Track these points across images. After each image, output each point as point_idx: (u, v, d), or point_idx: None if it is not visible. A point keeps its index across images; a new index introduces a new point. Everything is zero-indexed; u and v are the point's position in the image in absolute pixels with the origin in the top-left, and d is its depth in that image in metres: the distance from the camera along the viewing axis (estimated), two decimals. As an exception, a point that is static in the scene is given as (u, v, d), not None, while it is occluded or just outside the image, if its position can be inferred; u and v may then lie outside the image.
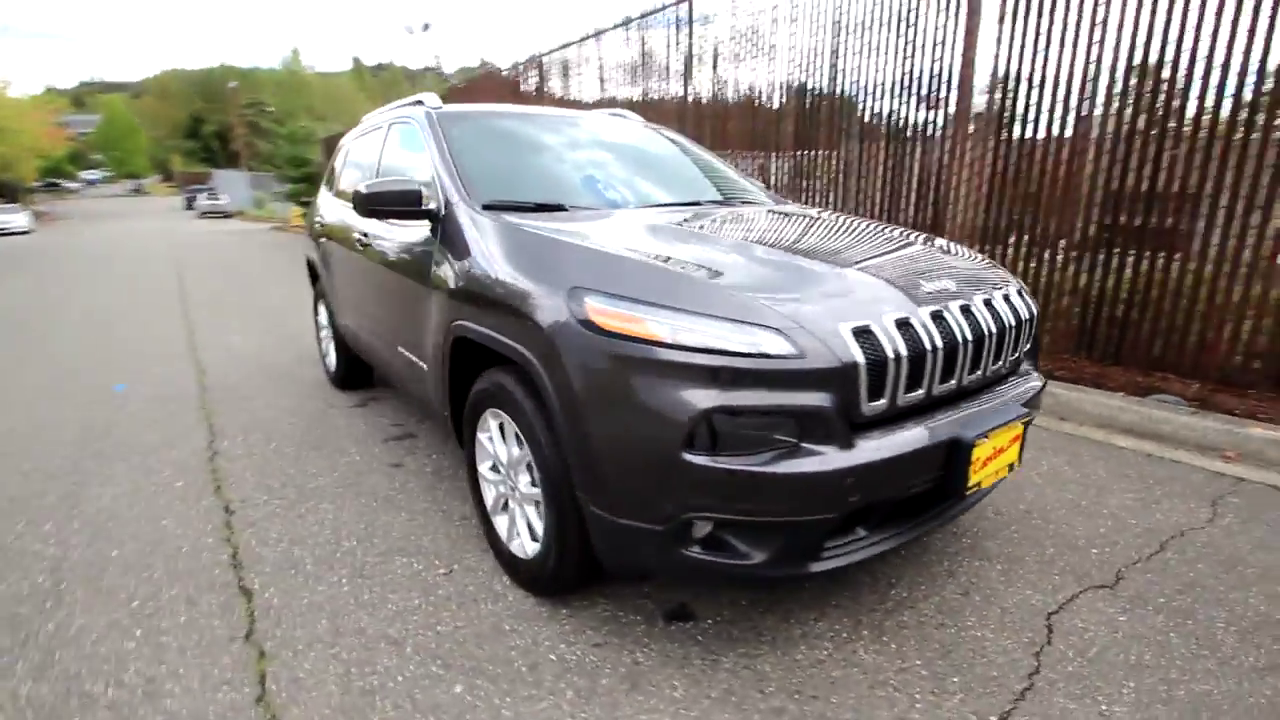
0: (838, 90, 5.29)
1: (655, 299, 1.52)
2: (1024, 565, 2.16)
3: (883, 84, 4.93)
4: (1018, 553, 2.24)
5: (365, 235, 2.92)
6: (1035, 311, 2.00)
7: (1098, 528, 2.39)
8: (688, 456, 1.43)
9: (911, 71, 4.72)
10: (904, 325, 1.56)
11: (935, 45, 4.55)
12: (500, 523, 2.12)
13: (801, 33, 5.42)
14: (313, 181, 22.32)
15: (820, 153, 5.59)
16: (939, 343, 1.60)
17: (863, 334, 1.50)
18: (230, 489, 2.78)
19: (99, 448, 3.24)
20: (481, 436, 2.12)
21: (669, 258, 1.76)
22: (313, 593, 2.05)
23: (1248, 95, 3.33)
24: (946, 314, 1.65)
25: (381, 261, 2.75)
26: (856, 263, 1.85)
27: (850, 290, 1.65)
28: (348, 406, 3.81)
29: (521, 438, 1.86)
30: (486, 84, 11.01)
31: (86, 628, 1.90)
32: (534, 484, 1.89)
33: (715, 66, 6.31)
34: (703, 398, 1.42)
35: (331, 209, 3.68)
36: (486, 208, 2.17)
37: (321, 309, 4.13)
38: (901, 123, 4.89)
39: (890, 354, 1.51)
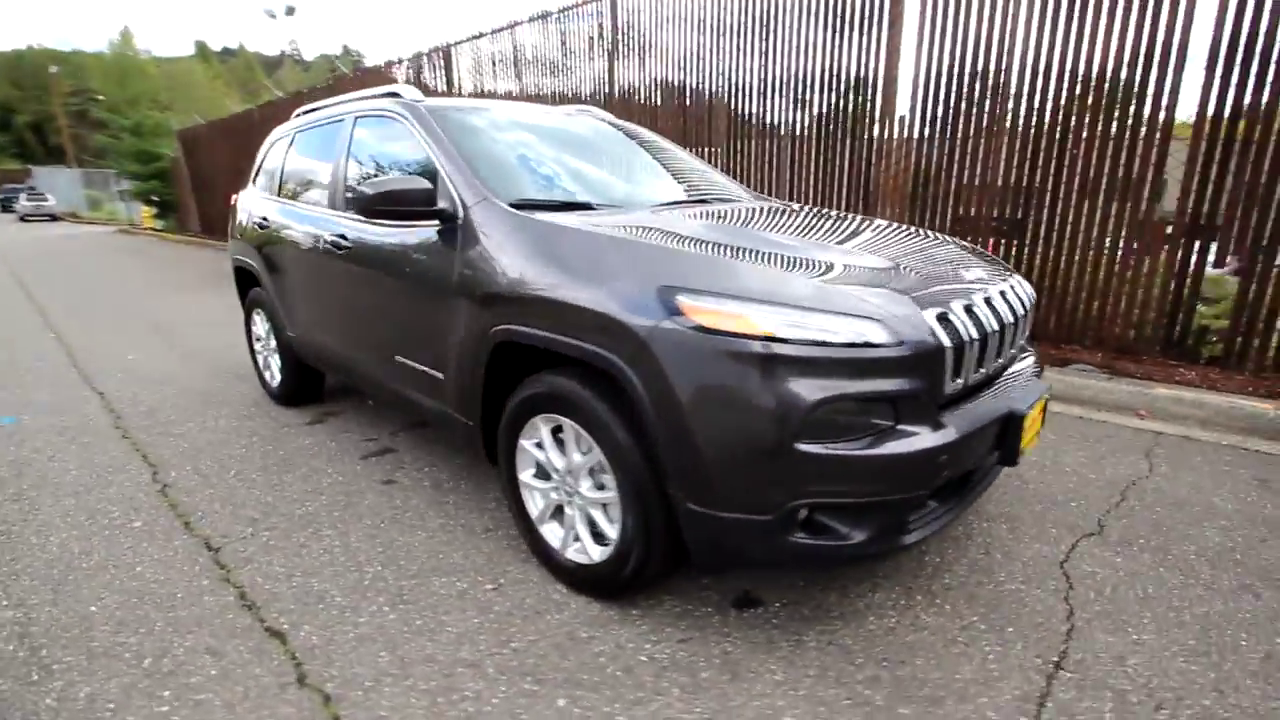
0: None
1: (757, 295, 1.55)
2: (1023, 521, 2.41)
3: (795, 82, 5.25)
4: (1013, 511, 2.49)
5: (343, 239, 2.70)
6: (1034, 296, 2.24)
7: (1067, 483, 2.71)
8: (800, 447, 1.48)
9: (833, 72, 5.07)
10: (969, 311, 1.70)
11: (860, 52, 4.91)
12: (550, 531, 2.07)
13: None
14: (164, 179, 20.06)
15: (749, 145, 5.83)
16: (994, 325, 1.76)
17: (943, 320, 1.62)
18: (203, 524, 2.49)
19: (14, 490, 2.77)
20: (525, 443, 2.05)
21: (754, 251, 1.81)
22: (355, 625, 1.90)
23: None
24: (993, 299, 1.82)
25: (371, 266, 2.56)
26: (907, 255, 1.99)
27: (918, 281, 1.77)
28: (303, 424, 3.50)
29: (585, 441, 1.83)
30: (381, 77, 10.39)
31: (98, 695, 1.65)
32: (599, 487, 1.86)
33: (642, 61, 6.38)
34: (814, 389, 1.48)
35: (276, 210, 3.36)
36: (515, 207, 2.10)
37: (259, 319, 3.76)
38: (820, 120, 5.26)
39: (965, 337, 1.64)
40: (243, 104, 23.90)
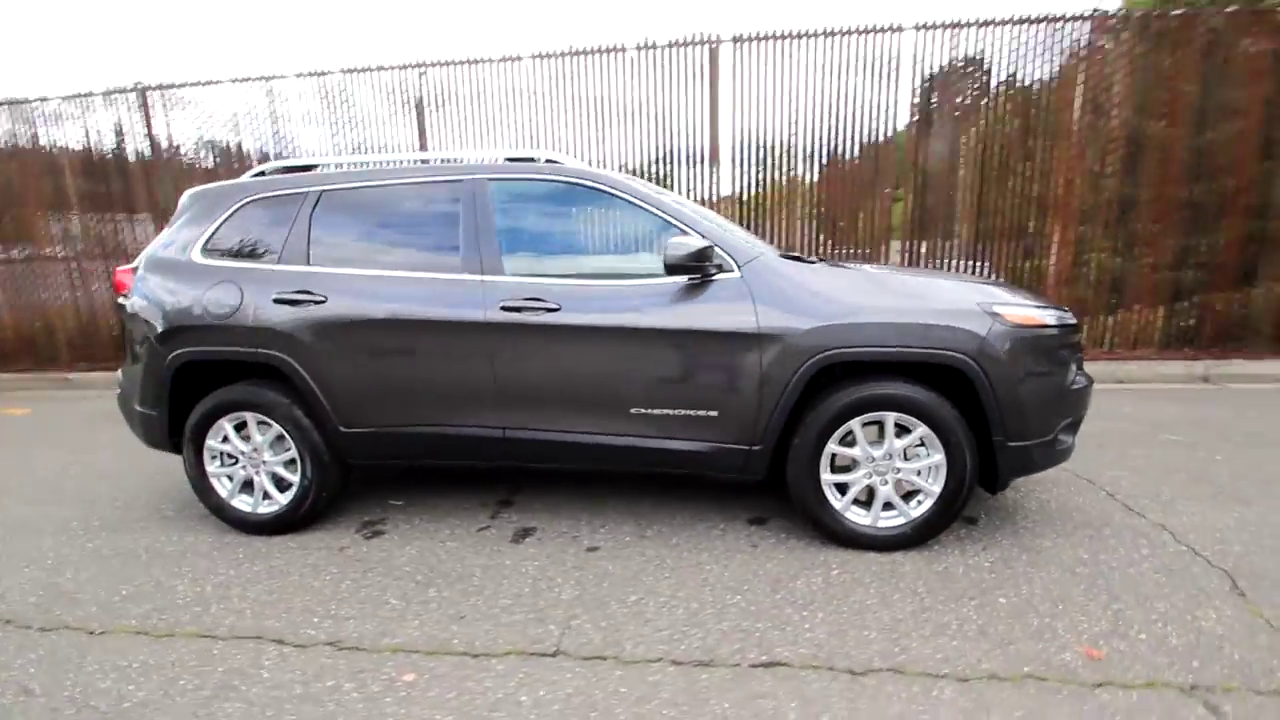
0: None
1: (1028, 303, 2.49)
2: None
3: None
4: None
5: (536, 301, 2.59)
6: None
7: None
8: (1071, 386, 2.48)
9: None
10: None
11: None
12: (854, 513, 2.58)
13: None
14: None
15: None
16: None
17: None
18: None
19: None
20: (833, 446, 2.52)
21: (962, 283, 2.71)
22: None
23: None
24: None
25: (605, 327, 2.59)
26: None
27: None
28: (367, 539, 2.88)
29: (901, 428, 2.47)
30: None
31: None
32: (905, 459, 2.50)
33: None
34: (1070, 350, 2.50)
35: (329, 281, 2.77)
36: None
37: (252, 427, 2.85)
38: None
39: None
40: None
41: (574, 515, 3.03)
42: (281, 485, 2.94)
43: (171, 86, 6.70)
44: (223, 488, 2.95)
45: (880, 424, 2.52)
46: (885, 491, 2.56)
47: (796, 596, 2.30)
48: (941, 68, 5.79)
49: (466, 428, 2.74)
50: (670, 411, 2.59)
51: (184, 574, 2.63)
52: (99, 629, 2.27)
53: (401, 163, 3.11)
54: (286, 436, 2.85)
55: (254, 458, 2.90)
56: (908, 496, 2.57)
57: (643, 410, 2.61)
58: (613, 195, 2.72)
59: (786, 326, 2.46)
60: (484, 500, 3.24)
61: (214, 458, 2.94)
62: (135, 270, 3.01)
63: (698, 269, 2.47)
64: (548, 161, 2.86)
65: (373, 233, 2.88)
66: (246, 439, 2.90)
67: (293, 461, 2.89)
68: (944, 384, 2.49)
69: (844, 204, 6.13)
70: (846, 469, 2.59)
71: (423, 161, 3.11)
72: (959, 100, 5.86)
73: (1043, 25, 5.59)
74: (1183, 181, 5.62)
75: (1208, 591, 2.23)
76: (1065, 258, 5.88)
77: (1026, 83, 5.74)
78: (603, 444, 2.67)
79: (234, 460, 2.94)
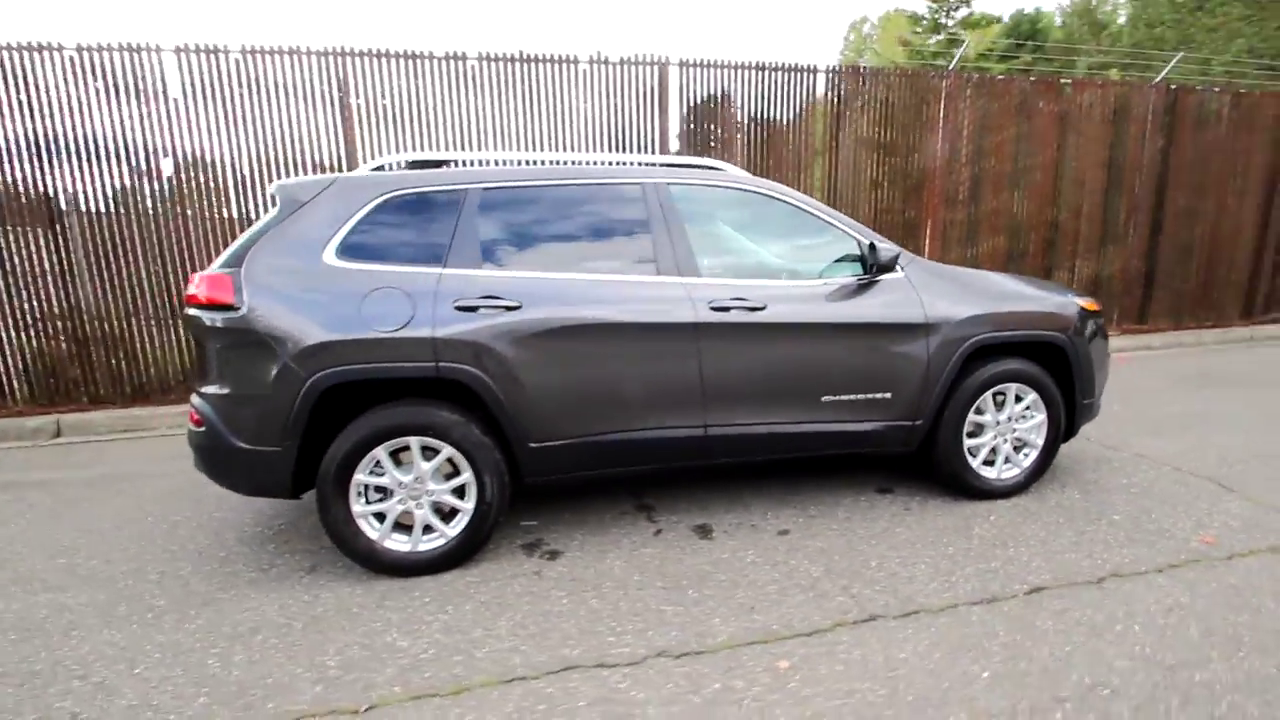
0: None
1: (1066, 291, 3.27)
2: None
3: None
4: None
5: (740, 302, 2.70)
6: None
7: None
8: (1106, 356, 3.33)
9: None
10: None
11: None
12: (984, 468, 3.13)
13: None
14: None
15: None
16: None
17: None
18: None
19: None
20: (974, 416, 3.05)
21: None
22: (1026, 562, 2.57)
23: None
24: None
25: (801, 323, 2.80)
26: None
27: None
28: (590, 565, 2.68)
29: (1019, 397, 3.10)
30: None
31: None
32: (1021, 420, 3.14)
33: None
34: (1102, 329, 3.34)
35: (514, 284, 2.56)
36: (911, 259, 3.07)
37: (415, 458, 2.49)
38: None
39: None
40: None
41: (723, 509, 3.14)
42: (443, 517, 2.60)
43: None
44: (372, 529, 2.52)
45: (1003, 394, 3.11)
46: (1005, 449, 3.15)
47: (989, 538, 2.76)
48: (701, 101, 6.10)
49: (667, 429, 2.73)
50: (855, 396, 2.89)
51: (398, 628, 2.23)
52: (365, 707, 1.88)
53: (541, 163, 2.95)
54: (456, 460, 2.54)
55: (415, 488, 2.53)
56: (1016, 450, 3.20)
57: (833, 397, 2.87)
58: (783, 202, 2.93)
59: (947, 316, 2.92)
60: (620, 508, 3.18)
61: (359, 494, 2.50)
62: (233, 277, 2.42)
63: (890, 268, 2.82)
64: (710, 168, 2.97)
65: (548, 234, 2.72)
66: (402, 468, 2.53)
67: (459, 489, 2.58)
68: (1042, 359, 3.16)
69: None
70: (973, 435, 3.13)
71: (570, 163, 2.98)
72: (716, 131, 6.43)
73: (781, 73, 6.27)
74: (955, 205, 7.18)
75: (1206, 492, 3.18)
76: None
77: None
78: (797, 432, 2.87)
79: (383, 495, 2.53)
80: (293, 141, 5.52)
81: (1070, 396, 3.17)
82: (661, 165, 2.96)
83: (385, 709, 1.86)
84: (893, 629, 2.17)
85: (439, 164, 2.86)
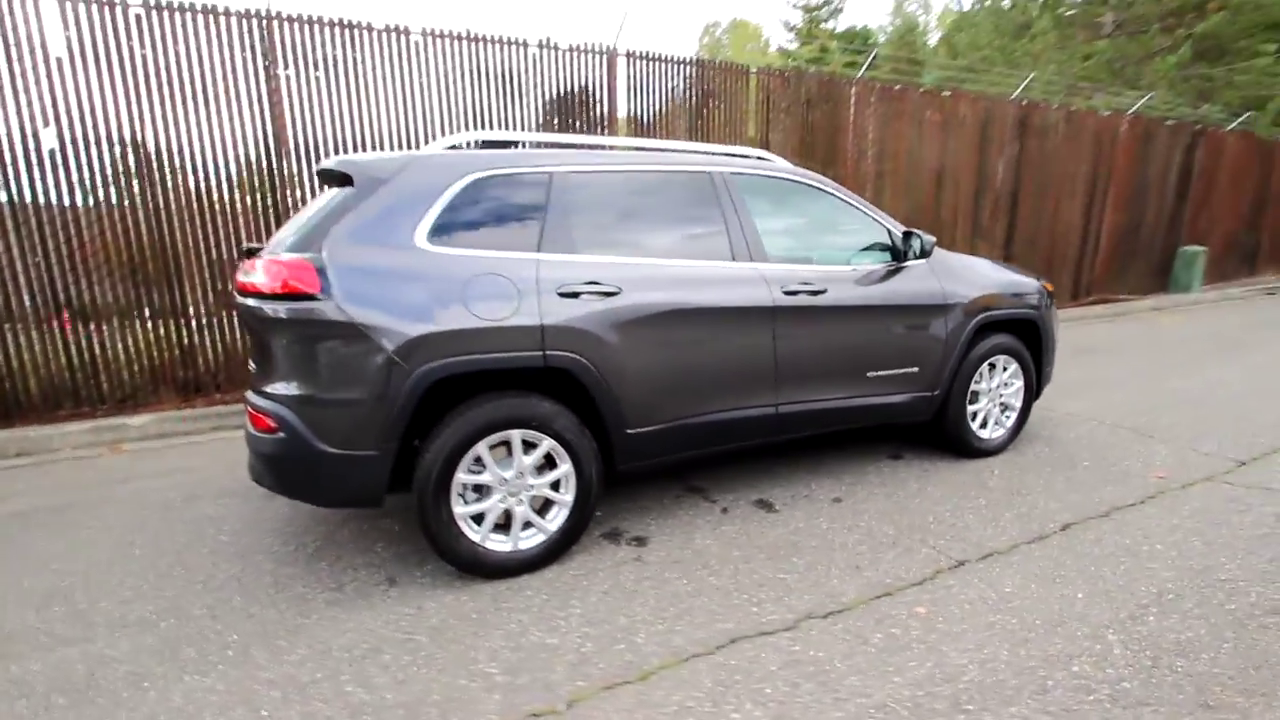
0: None
1: (1029, 274, 3.83)
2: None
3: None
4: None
5: (806, 285, 2.88)
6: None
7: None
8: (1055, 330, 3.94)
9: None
10: None
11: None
12: (980, 431, 3.59)
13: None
14: None
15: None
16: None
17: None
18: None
19: None
20: (973, 387, 3.48)
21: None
22: (1046, 505, 3.01)
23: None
24: None
25: (856, 304, 3.04)
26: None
27: None
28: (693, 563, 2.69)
29: (1005, 367, 3.58)
30: None
31: None
32: (1005, 386, 3.64)
33: None
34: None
35: (612, 272, 2.52)
36: (933, 248, 3.43)
37: (482, 451, 2.36)
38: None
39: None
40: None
41: (770, 484, 3.30)
42: (540, 512, 2.52)
43: None
44: (473, 531, 2.38)
45: (993, 365, 3.57)
46: (995, 413, 3.63)
47: (1004, 488, 3.19)
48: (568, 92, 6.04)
49: (747, 409, 2.84)
50: (893, 371, 3.19)
51: (535, 626, 2.14)
52: (567, 704, 1.82)
53: (606, 147, 2.91)
54: (556, 451, 2.47)
55: (516, 484, 2.42)
56: (1001, 413, 3.69)
57: (876, 372, 3.14)
58: (824, 192, 3.14)
59: (961, 296, 3.31)
60: (674, 493, 3.23)
61: (459, 494, 2.35)
62: (314, 263, 2.15)
63: (929, 254, 3.14)
64: (759, 159, 3.10)
65: (628, 220, 2.69)
66: (501, 463, 2.41)
67: (555, 482, 2.51)
68: (1017, 332, 3.67)
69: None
70: (972, 402, 3.57)
71: (633, 149, 2.96)
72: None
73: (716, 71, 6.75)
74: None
75: (1136, 439, 3.89)
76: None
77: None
78: (847, 406, 3.11)
79: (479, 494, 2.40)
80: (209, 115, 4.83)
81: (1039, 364, 3.72)
82: (720, 155, 3.05)
83: (586, 703, 1.81)
84: (982, 571, 2.47)
85: (509, 144, 2.72)
